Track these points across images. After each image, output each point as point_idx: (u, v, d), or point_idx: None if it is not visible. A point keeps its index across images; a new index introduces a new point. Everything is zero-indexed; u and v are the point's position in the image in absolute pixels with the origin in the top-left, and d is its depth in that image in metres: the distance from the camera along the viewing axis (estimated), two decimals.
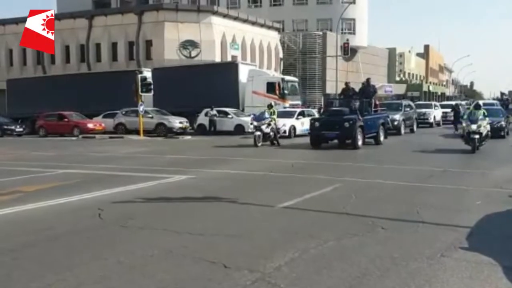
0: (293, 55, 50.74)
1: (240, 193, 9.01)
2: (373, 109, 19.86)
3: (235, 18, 42.95)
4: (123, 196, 8.92)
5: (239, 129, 26.95)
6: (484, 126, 16.03)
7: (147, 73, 30.20)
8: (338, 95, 23.18)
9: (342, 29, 51.21)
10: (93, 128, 29.62)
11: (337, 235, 5.99)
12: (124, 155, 17.48)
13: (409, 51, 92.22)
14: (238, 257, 5.21)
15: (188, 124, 28.78)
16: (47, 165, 14.23)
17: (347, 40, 42.78)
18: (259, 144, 19.35)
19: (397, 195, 8.88)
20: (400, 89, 66.72)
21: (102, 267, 4.98)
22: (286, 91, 29.97)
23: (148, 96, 28.50)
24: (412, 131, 26.65)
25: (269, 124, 19.84)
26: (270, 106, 20.91)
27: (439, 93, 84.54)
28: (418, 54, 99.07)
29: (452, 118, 29.45)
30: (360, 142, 17.78)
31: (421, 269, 4.85)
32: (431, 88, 78.22)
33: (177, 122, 28.38)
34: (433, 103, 36.55)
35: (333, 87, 44.68)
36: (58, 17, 44.64)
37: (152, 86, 27.40)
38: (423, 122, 31.12)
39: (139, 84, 26.65)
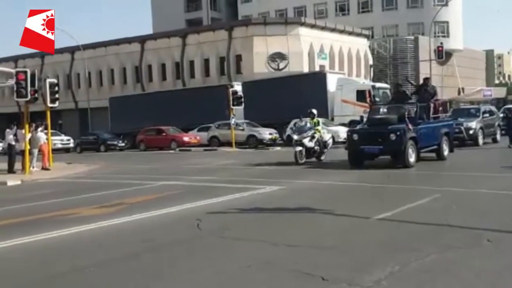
0: (383, 61, 49.58)
1: (334, 204, 8.90)
2: (432, 115, 16.05)
3: (323, 28, 42.88)
4: (219, 206, 9.15)
5: None
6: None
7: (238, 87, 30.94)
8: (392, 95, 18.26)
9: (435, 33, 49.28)
10: (189, 141, 30.78)
11: (439, 248, 5.71)
12: (218, 166, 17.97)
13: (508, 53, 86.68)
14: (335, 270, 5.13)
15: (277, 135, 29.03)
16: (148, 177, 15.00)
17: (441, 43, 40.99)
18: (301, 161, 16.55)
19: (501, 205, 8.34)
20: (500, 92, 62.70)
21: (201, 277, 5.12)
22: (377, 99, 29.25)
23: (239, 109, 29.20)
24: (494, 140, 22.90)
25: (312, 137, 16.99)
26: (312, 116, 17.81)
27: None
28: None
29: (504, 127, 22.91)
30: (412, 159, 14.14)
31: None
32: None
33: (267, 133, 28.75)
34: None
35: None
36: (154, 37, 47.36)
37: (242, 99, 28.04)
38: None
39: (231, 97, 27.40)
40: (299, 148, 16.73)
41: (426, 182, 11.38)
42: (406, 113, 14.84)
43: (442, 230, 6.71)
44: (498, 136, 23.26)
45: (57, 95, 20.09)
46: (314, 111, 18.03)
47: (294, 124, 28.01)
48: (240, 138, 28.49)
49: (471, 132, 21.03)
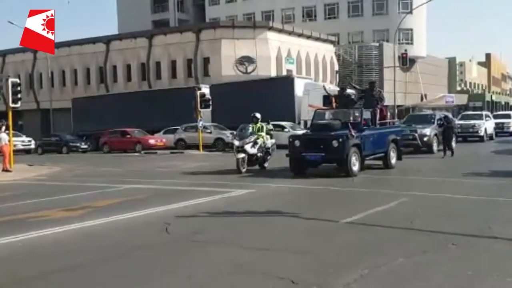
0: (348, 67, 50.35)
1: (302, 208, 8.98)
2: (379, 121, 15.33)
3: (290, 33, 43.22)
4: (188, 210, 9.09)
5: None
6: None
7: (206, 90, 30.79)
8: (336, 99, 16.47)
9: (399, 40, 50.32)
10: (155, 144, 30.45)
11: (407, 252, 5.84)
12: (185, 170, 17.82)
13: (470, 60, 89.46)
14: (305, 273, 5.18)
15: None
16: (113, 180, 14.75)
17: (405, 50, 41.92)
18: (243, 170, 15.24)
19: (467, 210, 8.58)
20: (462, 99, 64.57)
21: (172, 282, 5.08)
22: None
23: (206, 112, 29.07)
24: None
25: (255, 143, 15.66)
26: (256, 120, 16.18)
27: (503, 103, 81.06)
28: (480, 63, 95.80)
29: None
30: (356, 167, 13.40)
31: (498, 287, 4.65)
32: (494, 98, 75.18)
33: None
34: (483, 113, 31.86)
35: (391, 98, 43.89)
36: (120, 37, 46.74)
37: (210, 102, 27.96)
38: (472, 136, 27.37)
39: (198, 100, 27.27)
40: (241, 155, 15.30)
41: (389, 187, 11.59)
42: (351, 119, 14.18)
43: (409, 234, 6.85)
44: (453, 143, 20.20)
45: (19, 95, 19.53)
46: (258, 115, 16.33)
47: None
48: (207, 141, 28.37)
49: (425, 139, 20.52)
